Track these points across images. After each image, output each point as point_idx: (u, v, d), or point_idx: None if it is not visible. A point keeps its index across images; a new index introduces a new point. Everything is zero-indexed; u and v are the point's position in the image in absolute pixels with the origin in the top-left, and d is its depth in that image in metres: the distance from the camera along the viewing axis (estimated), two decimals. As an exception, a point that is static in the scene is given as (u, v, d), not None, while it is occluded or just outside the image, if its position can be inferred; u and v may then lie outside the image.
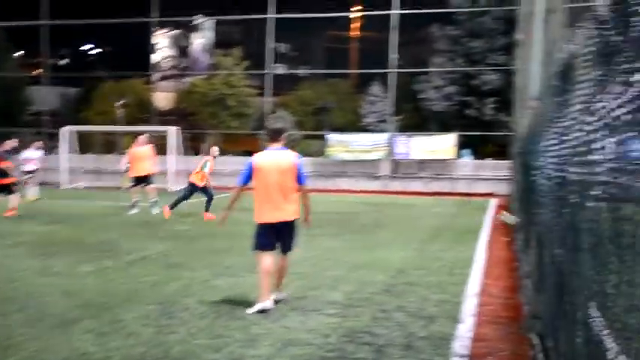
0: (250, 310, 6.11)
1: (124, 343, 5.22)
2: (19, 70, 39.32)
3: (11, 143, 15.74)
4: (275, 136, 6.57)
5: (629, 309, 1.73)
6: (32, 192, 18.85)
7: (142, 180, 16.01)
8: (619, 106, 1.83)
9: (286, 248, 6.56)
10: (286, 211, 6.35)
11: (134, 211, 15.39)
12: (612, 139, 1.97)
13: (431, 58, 35.26)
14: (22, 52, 45.58)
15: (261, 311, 6.09)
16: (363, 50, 50.32)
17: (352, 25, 50.57)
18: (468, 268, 8.60)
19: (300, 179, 6.43)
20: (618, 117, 1.84)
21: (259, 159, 6.48)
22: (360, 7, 32.52)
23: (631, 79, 1.61)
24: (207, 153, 15.95)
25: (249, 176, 6.50)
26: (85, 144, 28.35)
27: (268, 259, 6.34)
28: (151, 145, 16.65)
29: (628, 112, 1.71)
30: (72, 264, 8.62)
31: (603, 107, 2.14)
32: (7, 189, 14.06)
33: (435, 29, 34.97)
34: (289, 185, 6.36)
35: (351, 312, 6.21)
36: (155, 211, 15.34)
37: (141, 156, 16.10)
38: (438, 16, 33.91)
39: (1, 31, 35.11)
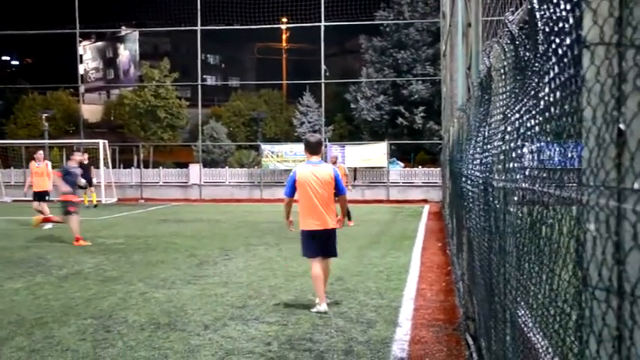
0: (314, 309, 6.57)
1: (60, 358, 5.14)
2: None
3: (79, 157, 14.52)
4: (317, 149, 6.99)
5: (549, 305, 1.86)
6: None
7: (41, 196, 15.64)
8: (531, 117, 2.02)
9: (329, 254, 6.98)
10: (328, 220, 6.82)
11: (47, 226, 14.70)
12: (527, 148, 2.16)
13: (360, 68, 35.95)
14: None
15: (321, 313, 6.50)
16: (294, 61, 50.67)
17: (283, 37, 50.87)
18: (404, 273, 8.85)
19: (338, 190, 6.93)
20: (532, 127, 2.03)
21: (301, 171, 6.84)
22: (287, 20, 32.75)
23: (540, 95, 1.80)
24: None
25: (293, 188, 6.83)
26: (9, 157, 27.32)
27: (317, 265, 6.76)
28: (47, 161, 16.58)
29: (539, 123, 1.90)
30: (0, 281, 8.36)
31: (519, 118, 2.34)
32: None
33: (363, 40, 35.69)
34: (329, 196, 6.85)
35: (292, 319, 6.31)
36: (48, 226, 14.64)
37: (37, 172, 15.92)
38: (366, 28, 34.63)
39: None
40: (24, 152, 27.43)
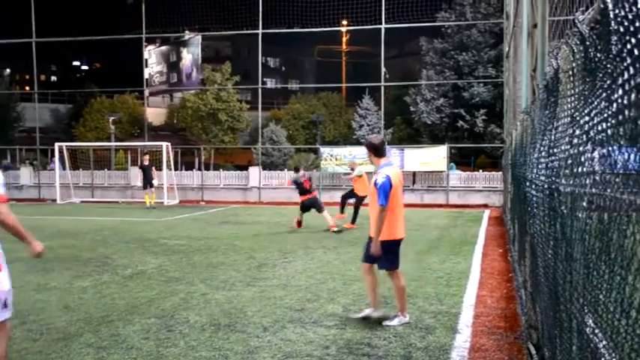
0: (390, 323, 6.23)
1: (124, 356, 5.29)
2: (9, 88, 39.36)
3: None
4: (384, 150, 6.62)
5: (620, 316, 1.80)
6: None
7: None
8: (602, 120, 1.95)
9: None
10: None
11: None
12: (597, 152, 2.08)
13: (420, 71, 35.61)
14: (11, 69, 45.60)
15: (405, 323, 6.25)
16: (354, 64, 50.69)
17: (343, 39, 50.94)
18: (464, 279, 8.70)
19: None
20: (603, 130, 1.95)
21: (393, 175, 6.29)
22: (348, 22, 32.78)
23: (613, 97, 1.73)
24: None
25: (389, 194, 6.19)
26: (77, 160, 28.36)
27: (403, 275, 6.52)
28: None
29: (611, 126, 1.83)
30: (70, 279, 8.68)
31: (589, 121, 2.26)
32: None
33: (424, 42, 35.35)
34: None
35: (350, 324, 6.29)
36: None
37: None
38: (427, 30, 34.28)
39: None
40: (92, 155, 28.43)
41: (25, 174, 28.58)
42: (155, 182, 23.18)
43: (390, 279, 6.51)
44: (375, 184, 6.17)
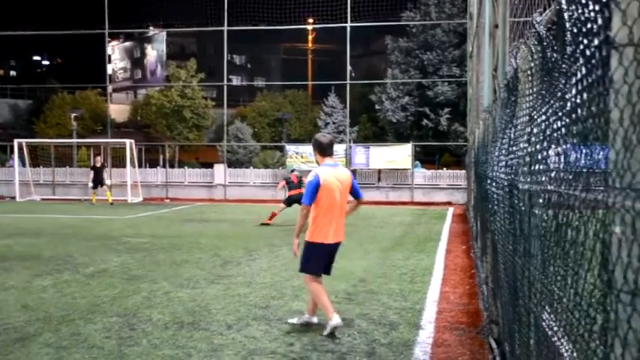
0: (325, 332, 5.78)
1: (85, 355, 5.21)
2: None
3: None
4: (330, 150, 6.25)
5: (574, 309, 1.84)
6: None
7: None
8: (558, 119, 2.00)
9: (330, 270, 6.25)
10: (342, 231, 6.18)
11: None
12: (553, 150, 2.14)
13: (386, 69, 35.86)
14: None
15: (334, 329, 5.76)
16: (319, 62, 50.75)
17: (309, 37, 50.97)
18: (428, 275, 8.81)
19: (357, 193, 6.31)
20: (558, 129, 2.00)
21: (324, 174, 5.97)
22: (313, 20, 32.80)
23: (567, 96, 1.78)
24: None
25: (315, 194, 5.93)
26: (38, 156, 27.78)
27: (319, 281, 6.09)
28: None
29: (566, 125, 1.88)
30: (29, 278, 8.51)
31: (545, 120, 2.32)
32: None
33: (389, 41, 35.60)
34: (345, 203, 6.17)
35: (313, 320, 6.30)
36: None
37: None
38: (392, 29, 34.53)
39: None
40: (53, 151, 27.88)
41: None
42: (108, 182, 23.27)
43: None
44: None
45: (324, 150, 6.18)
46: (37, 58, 70.58)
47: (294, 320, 6.19)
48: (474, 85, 15.84)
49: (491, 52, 7.58)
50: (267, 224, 15.24)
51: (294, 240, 6.14)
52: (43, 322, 6.20)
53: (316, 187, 5.90)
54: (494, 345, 5.15)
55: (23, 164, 25.97)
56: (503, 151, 4.35)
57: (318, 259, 6.03)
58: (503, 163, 4.28)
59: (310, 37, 50.86)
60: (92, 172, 23.45)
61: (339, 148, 24.29)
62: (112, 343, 5.56)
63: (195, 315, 6.52)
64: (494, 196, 5.20)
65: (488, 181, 6.01)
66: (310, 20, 33.15)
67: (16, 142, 25.84)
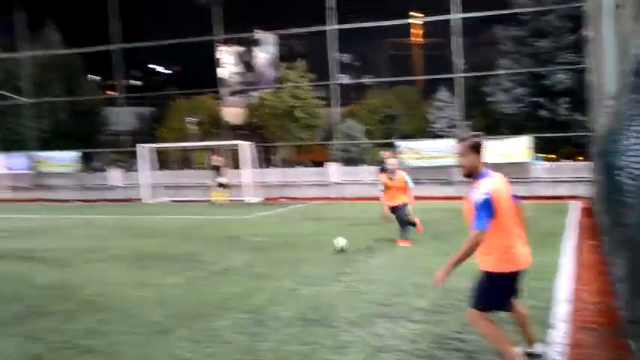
0: (532, 350, 5.00)
1: (219, 350, 5.44)
2: (95, 94, 41.13)
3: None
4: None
5: None
6: None
7: None
8: None
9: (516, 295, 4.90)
10: (528, 251, 4.82)
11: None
12: None
13: (497, 60, 34.74)
14: (97, 76, 47.58)
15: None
16: (428, 56, 50.04)
17: (414, 32, 50.36)
18: (555, 272, 8.43)
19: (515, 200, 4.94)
20: None
21: (496, 187, 4.52)
22: (420, 14, 32.37)
23: None
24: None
25: (491, 214, 4.43)
26: (161, 160, 29.35)
27: (493, 320, 4.69)
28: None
29: None
30: (162, 275, 8.99)
31: None
32: None
33: (499, 31, 34.44)
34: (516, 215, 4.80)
35: (439, 318, 6.22)
36: None
37: None
38: (502, 18, 33.36)
39: (77, 57, 36.92)
40: (174, 155, 29.36)
41: (114, 175, 29.84)
42: (225, 181, 23.99)
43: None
44: (474, 202, 4.48)
45: (481, 151, 4.62)
46: (157, 67, 74.55)
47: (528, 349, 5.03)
48: (594, 71, 15.02)
49: (614, 35, 7.14)
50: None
51: (448, 268, 4.54)
52: (178, 318, 6.53)
53: (491, 203, 4.41)
54: (634, 346, 4.85)
55: (149, 168, 27.50)
56: (636, 139, 4.09)
57: (496, 291, 4.65)
58: (636, 152, 4.02)
59: (417, 32, 50.23)
60: (212, 171, 24.45)
61: (451, 143, 23.83)
62: (243, 338, 5.76)
63: (319, 312, 6.62)
64: (628, 187, 4.90)
65: (619, 172, 5.68)
66: (416, 14, 32.75)
67: (140, 147, 27.43)
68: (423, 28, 47.12)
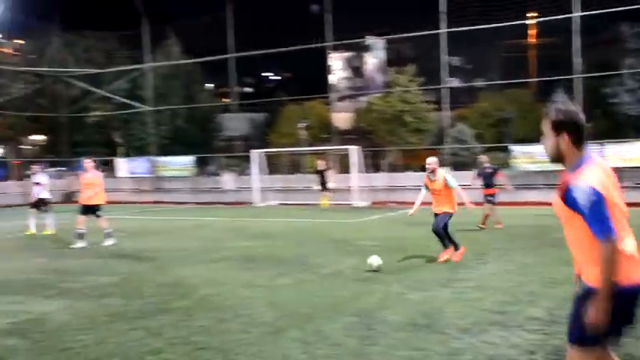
0: None
1: (329, 352, 5.48)
2: (211, 101, 42.82)
3: None
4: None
5: None
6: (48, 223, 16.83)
7: (89, 210, 13.88)
8: None
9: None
10: None
11: (79, 244, 13.57)
12: None
13: (621, 59, 32.79)
14: (213, 84, 49.51)
15: None
16: (543, 57, 48.08)
17: (529, 32, 48.57)
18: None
19: None
20: None
21: (600, 178, 3.23)
22: (536, 14, 31.11)
23: None
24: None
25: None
26: (272, 165, 30.09)
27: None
28: (99, 172, 14.99)
29: None
30: (272, 277, 9.20)
31: None
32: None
33: (625, 28, 32.49)
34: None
35: (555, 329, 5.93)
36: (108, 242, 13.76)
37: (87, 183, 14.05)
38: (627, 14, 31.42)
39: (195, 66, 38.66)
40: (284, 159, 30.02)
41: (227, 179, 30.94)
42: (331, 185, 24.18)
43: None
44: (572, 201, 3.25)
45: (581, 133, 3.34)
46: (268, 74, 76.65)
47: None
48: None
49: None
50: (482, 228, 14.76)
51: (603, 298, 3.05)
52: (289, 319, 6.65)
53: (604, 203, 3.14)
54: None
55: (260, 172, 28.30)
56: None
57: (623, 313, 3.15)
58: None
59: (532, 32, 48.43)
60: (317, 175, 24.81)
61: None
62: (353, 341, 5.77)
63: (429, 317, 6.52)
64: None
65: None
66: (532, 14, 31.56)
67: (252, 152, 28.29)
68: (537, 27, 45.36)
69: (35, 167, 17.87)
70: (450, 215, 10.54)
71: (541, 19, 30.88)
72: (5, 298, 8.31)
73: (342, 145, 29.71)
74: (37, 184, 16.86)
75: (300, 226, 17.12)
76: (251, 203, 27.59)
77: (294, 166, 33.10)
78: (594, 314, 3.08)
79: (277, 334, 6.06)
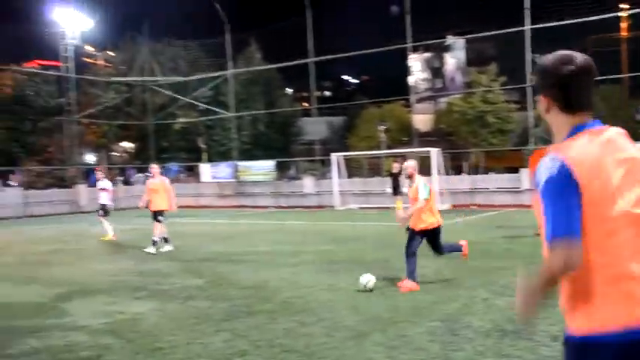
0: None
1: (413, 357, 5.41)
2: (291, 106, 43.39)
3: None
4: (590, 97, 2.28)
5: None
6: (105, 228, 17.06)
7: (155, 215, 13.87)
8: None
9: None
10: None
11: (166, 248, 13.82)
12: None
13: None
14: (292, 89, 50.12)
15: None
16: (636, 51, 45.82)
17: (620, 26, 46.40)
18: None
19: None
20: None
21: (590, 153, 2.10)
22: (628, 6, 29.68)
23: None
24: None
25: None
26: (352, 168, 30.12)
27: None
28: (164, 178, 14.72)
29: None
30: (354, 280, 9.15)
31: None
32: None
33: None
34: None
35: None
36: (150, 250, 13.48)
37: (153, 189, 14.11)
38: None
39: (275, 71, 39.30)
40: (364, 162, 29.97)
41: (308, 183, 31.22)
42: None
43: None
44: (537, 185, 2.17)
45: (571, 92, 2.20)
46: (347, 77, 76.88)
47: None
48: None
49: None
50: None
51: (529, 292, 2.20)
52: (372, 323, 6.62)
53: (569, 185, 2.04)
54: None
55: (340, 175, 28.38)
56: None
57: None
58: None
59: (623, 25, 46.24)
60: (391, 178, 24.50)
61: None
62: (437, 346, 5.67)
63: (516, 323, 6.31)
64: None
65: None
66: (624, 6, 30.15)
67: (332, 155, 28.41)
68: (629, 20, 43.27)
69: (99, 173, 17.93)
70: (412, 233, 8.83)
71: (633, 10, 29.45)
72: (99, 299, 8.70)
73: (423, 147, 29.38)
74: (103, 189, 17.28)
75: (380, 230, 17.04)
76: (331, 207, 27.71)
77: (374, 169, 33.00)
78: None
79: (360, 338, 6.04)
